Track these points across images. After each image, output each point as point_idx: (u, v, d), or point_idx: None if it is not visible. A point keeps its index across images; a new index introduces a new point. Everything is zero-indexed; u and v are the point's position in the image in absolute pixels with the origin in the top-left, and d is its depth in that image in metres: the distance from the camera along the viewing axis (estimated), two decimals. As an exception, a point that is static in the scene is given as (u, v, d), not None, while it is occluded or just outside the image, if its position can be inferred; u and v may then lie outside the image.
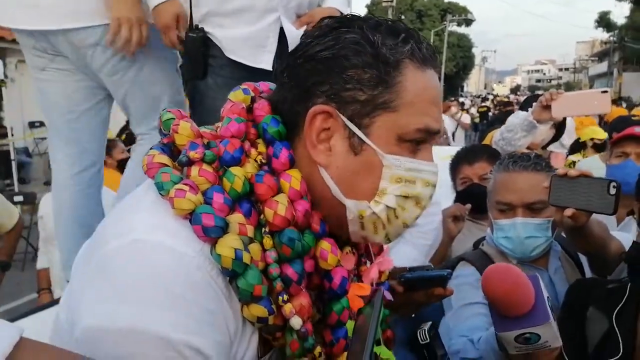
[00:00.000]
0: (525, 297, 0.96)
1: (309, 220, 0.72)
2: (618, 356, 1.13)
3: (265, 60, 1.62)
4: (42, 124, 11.71)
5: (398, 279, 0.97)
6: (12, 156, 8.21)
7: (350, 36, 0.70)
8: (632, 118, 2.49)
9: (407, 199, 0.73)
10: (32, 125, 11.90)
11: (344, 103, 0.70)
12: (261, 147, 0.73)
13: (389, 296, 0.89)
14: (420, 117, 0.71)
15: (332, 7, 1.75)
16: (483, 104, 14.13)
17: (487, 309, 1.36)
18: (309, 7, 1.73)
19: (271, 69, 1.60)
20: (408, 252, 1.67)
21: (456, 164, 2.20)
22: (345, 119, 0.70)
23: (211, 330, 0.62)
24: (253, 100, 0.78)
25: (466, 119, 10.03)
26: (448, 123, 8.86)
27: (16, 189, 7.93)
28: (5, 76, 8.80)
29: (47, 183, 7.59)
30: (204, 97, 1.65)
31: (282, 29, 1.63)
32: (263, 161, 0.72)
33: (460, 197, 2.05)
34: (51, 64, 1.67)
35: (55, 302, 2.12)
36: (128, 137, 7.98)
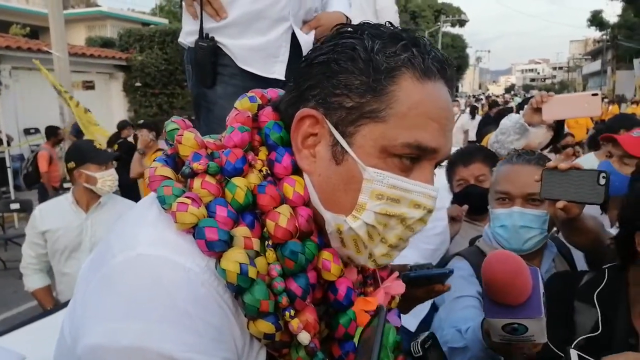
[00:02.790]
0: (523, 286, 0.94)
1: (312, 227, 0.70)
2: (598, 332, 1.18)
3: (277, 71, 1.60)
4: (37, 130, 11.67)
5: (402, 278, 0.95)
6: (8, 163, 8.17)
7: (348, 41, 0.69)
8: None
9: (390, 218, 0.68)
10: (27, 132, 11.84)
11: (331, 109, 0.68)
12: (262, 154, 0.72)
13: (396, 322, 0.87)
14: (411, 131, 0.66)
15: (337, 12, 1.75)
16: (474, 104, 14.29)
17: (478, 302, 1.38)
18: (315, 13, 1.72)
19: (284, 79, 1.60)
20: (409, 255, 1.67)
21: (452, 166, 2.21)
22: (330, 125, 0.68)
23: (217, 348, 0.61)
24: (261, 108, 0.76)
25: (462, 119, 10.00)
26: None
27: (12, 197, 7.88)
28: (0, 83, 8.78)
29: (38, 189, 7.51)
30: (212, 105, 1.63)
31: (292, 37, 1.61)
32: (268, 172, 0.70)
33: (457, 199, 2.05)
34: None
35: (49, 312, 2.09)
36: (121, 146, 7.93)
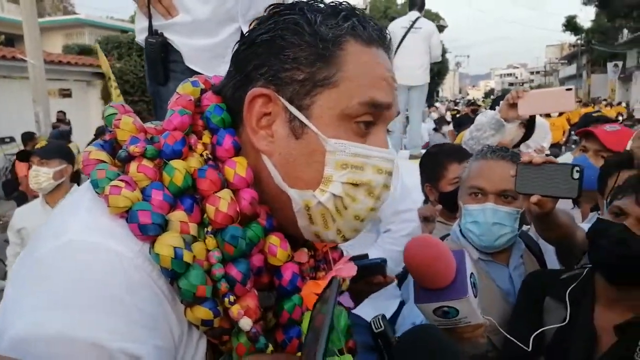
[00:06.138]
0: (446, 269, 0.94)
1: (256, 210, 0.68)
2: (564, 323, 1.20)
3: (222, 72, 1.59)
4: (12, 139, 11.44)
5: None
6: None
7: (289, 17, 0.69)
8: (593, 115, 2.58)
9: (357, 188, 0.68)
10: (2, 141, 11.59)
11: (282, 85, 0.68)
12: (206, 138, 0.70)
13: (349, 303, 0.87)
14: (364, 90, 0.67)
15: None
16: (454, 108, 14.50)
17: None
18: None
19: None
20: (373, 255, 1.66)
21: (442, 162, 2.09)
22: (284, 101, 0.68)
23: (151, 336, 0.59)
24: (204, 93, 0.75)
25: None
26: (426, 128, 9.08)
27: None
28: (-27, 91, 8.58)
29: (16, 199, 7.36)
30: (164, 102, 1.61)
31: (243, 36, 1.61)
32: (209, 156, 0.69)
33: (449, 197, 1.96)
34: None
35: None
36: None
